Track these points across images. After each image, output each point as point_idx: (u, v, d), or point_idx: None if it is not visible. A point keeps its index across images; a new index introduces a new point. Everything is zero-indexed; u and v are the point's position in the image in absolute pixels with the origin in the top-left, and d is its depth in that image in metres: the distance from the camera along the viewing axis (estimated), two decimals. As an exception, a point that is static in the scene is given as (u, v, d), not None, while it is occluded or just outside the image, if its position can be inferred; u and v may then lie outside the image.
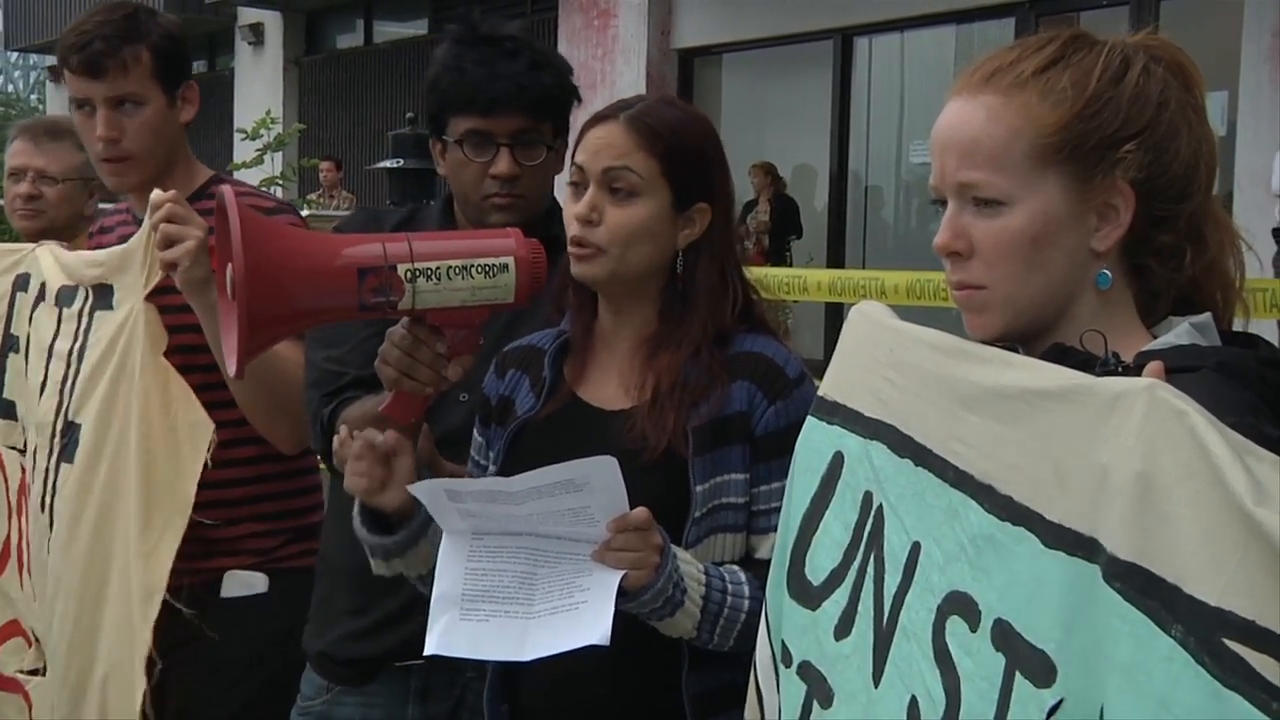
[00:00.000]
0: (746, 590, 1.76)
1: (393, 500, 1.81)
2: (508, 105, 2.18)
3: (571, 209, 1.87)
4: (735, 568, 1.80)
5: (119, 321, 2.52)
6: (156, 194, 2.37)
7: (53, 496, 2.63)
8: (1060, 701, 0.96)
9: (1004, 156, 1.32)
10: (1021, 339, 1.37)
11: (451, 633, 1.73)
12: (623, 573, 1.66)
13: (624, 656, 1.69)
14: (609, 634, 1.63)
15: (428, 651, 1.73)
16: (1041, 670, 0.98)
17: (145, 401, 2.43)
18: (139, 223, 2.61)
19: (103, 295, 2.60)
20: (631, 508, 1.66)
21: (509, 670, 1.90)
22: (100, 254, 2.64)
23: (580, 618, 1.66)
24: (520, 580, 1.73)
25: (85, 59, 2.53)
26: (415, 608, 1.95)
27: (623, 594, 1.66)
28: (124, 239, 2.63)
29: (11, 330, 2.98)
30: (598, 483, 1.63)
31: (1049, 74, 1.34)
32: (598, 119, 1.90)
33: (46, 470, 2.68)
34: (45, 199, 3.39)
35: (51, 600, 2.62)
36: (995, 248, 1.33)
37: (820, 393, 1.48)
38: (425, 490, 1.74)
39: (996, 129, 1.33)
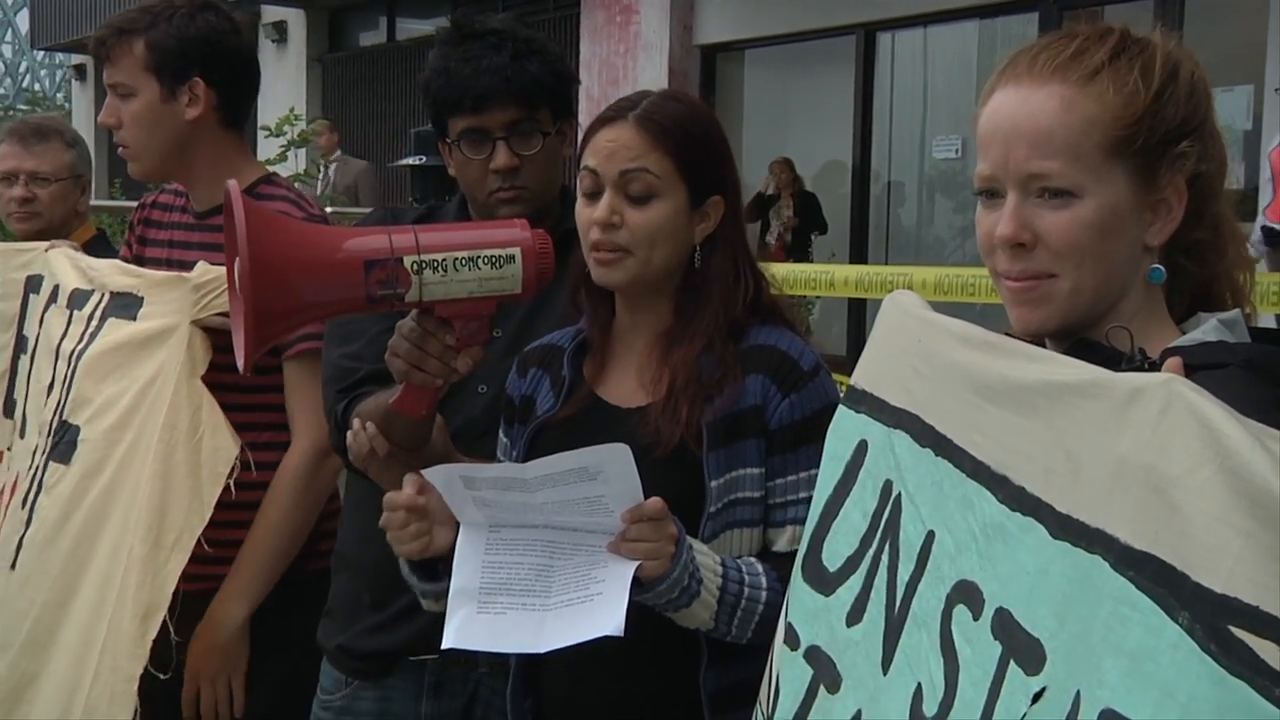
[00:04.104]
0: (764, 581, 1.75)
1: (441, 547, 1.80)
2: (497, 98, 2.18)
3: (588, 214, 1.86)
4: (753, 559, 1.80)
5: (149, 336, 2.49)
6: None
7: (37, 493, 2.60)
8: (1044, 689, 0.97)
9: (1078, 147, 1.31)
10: (1070, 333, 1.37)
11: (469, 626, 1.73)
12: (638, 563, 1.66)
13: (642, 652, 1.70)
14: (623, 625, 1.63)
15: (446, 645, 1.74)
16: (1033, 658, 0.99)
17: (173, 419, 2.41)
18: (196, 217, 2.62)
19: (124, 304, 2.58)
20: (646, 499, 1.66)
21: (531, 665, 1.90)
22: (141, 269, 2.63)
23: (595, 609, 1.66)
24: (537, 573, 1.73)
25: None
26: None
27: (638, 585, 1.66)
28: (174, 235, 2.63)
29: (23, 331, 2.98)
30: (612, 471, 1.63)
31: (1118, 65, 1.33)
32: (604, 120, 1.89)
33: (36, 467, 2.66)
34: (39, 200, 3.42)
35: (14, 596, 2.58)
36: (1065, 239, 1.32)
37: (852, 381, 1.49)
38: (440, 476, 1.75)
39: (1071, 119, 1.32)
